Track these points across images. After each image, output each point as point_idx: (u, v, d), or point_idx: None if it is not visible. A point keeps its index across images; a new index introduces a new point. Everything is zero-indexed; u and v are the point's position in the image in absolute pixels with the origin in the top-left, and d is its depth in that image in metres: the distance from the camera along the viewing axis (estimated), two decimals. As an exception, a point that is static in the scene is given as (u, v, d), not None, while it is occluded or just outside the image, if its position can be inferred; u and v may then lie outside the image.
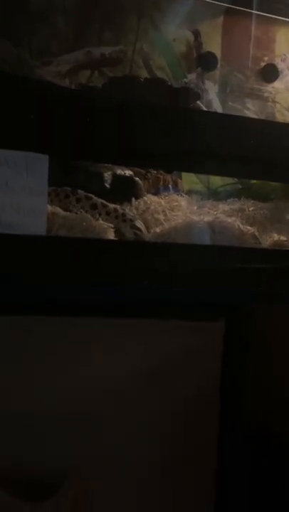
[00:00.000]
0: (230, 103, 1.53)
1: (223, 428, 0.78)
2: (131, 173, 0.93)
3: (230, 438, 0.79)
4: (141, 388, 0.74)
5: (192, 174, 1.11)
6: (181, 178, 1.10)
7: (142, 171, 1.11)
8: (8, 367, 0.69)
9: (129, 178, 0.91)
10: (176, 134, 0.83)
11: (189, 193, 1.05)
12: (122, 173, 0.89)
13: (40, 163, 0.72)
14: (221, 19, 1.52)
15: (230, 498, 0.79)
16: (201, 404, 0.76)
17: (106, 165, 0.89)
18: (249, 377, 0.78)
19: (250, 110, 1.53)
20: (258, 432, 0.82)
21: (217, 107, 1.46)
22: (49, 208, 0.77)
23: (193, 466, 0.77)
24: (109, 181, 0.86)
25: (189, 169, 1.04)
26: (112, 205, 0.80)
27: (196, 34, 1.49)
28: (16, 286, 0.70)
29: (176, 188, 1.03)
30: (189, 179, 1.10)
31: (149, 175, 1.14)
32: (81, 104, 0.81)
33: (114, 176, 0.88)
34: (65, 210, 0.80)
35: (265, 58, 1.55)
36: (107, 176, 0.86)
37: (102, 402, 0.72)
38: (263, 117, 1.53)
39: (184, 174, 1.11)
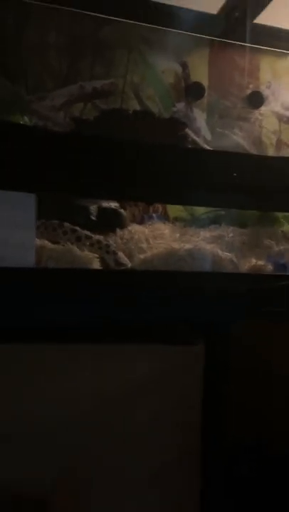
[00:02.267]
0: (218, 129, 1.59)
1: (205, 445, 0.81)
2: (116, 205, 0.98)
3: (212, 455, 0.82)
4: (122, 410, 0.77)
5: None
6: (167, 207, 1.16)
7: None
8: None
9: (114, 210, 0.97)
10: (159, 168, 0.89)
11: (175, 220, 1.11)
12: (108, 205, 0.95)
13: (29, 200, 0.78)
14: (207, 50, 1.60)
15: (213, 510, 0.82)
16: (183, 426, 0.80)
17: (92, 199, 0.95)
18: (228, 398, 0.82)
19: (238, 135, 1.59)
20: (246, 446, 0.86)
21: (206, 134, 1.52)
22: (37, 241, 0.83)
23: (176, 486, 0.80)
24: (95, 214, 0.92)
25: (173, 201, 1.10)
26: (95, 237, 0.85)
27: (184, 66, 1.57)
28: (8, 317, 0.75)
29: (161, 217, 1.08)
30: (175, 207, 1.16)
31: (139, 203, 1.20)
32: (67, 143, 0.87)
33: (100, 208, 0.94)
34: (54, 242, 0.86)
35: (251, 86, 1.61)
36: (93, 208, 0.92)
37: (83, 424, 0.75)
38: (250, 141, 1.59)
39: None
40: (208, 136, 1.51)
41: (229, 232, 0.96)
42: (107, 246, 0.82)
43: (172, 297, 0.83)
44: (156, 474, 0.78)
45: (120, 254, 0.82)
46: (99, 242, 0.82)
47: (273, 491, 0.90)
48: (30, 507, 0.70)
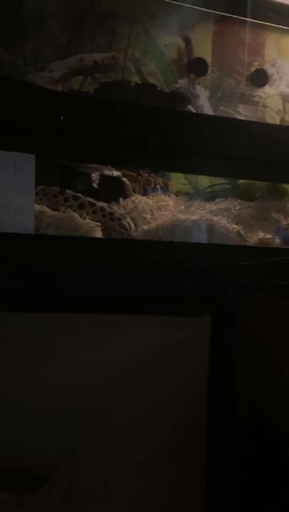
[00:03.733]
0: (221, 107, 1.55)
1: (212, 424, 0.79)
2: (118, 173, 0.94)
3: (218, 434, 0.80)
4: (128, 383, 0.75)
5: (181, 176, 1.13)
6: (171, 180, 1.12)
7: (133, 173, 1.13)
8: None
9: (117, 179, 0.93)
10: (165, 134, 0.85)
11: (178, 193, 1.07)
12: (110, 173, 0.91)
13: (28, 162, 0.74)
14: (211, 26, 1.55)
15: (220, 491, 0.80)
16: (189, 399, 0.77)
17: (94, 165, 0.91)
18: (237, 372, 0.79)
19: (241, 114, 1.55)
20: (249, 426, 0.83)
21: (208, 112, 1.48)
22: (37, 207, 0.79)
23: (181, 461, 0.78)
24: (97, 181, 0.88)
25: (178, 169, 1.06)
26: (99, 204, 0.81)
27: (187, 40, 1.52)
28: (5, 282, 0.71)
29: (165, 189, 1.05)
30: (179, 181, 1.12)
31: (140, 177, 1.16)
32: (70, 105, 0.82)
33: (102, 176, 0.90)
34: (54, 209, 0.82)
35: (255, 63, 1.57)
36: (95, 176, 0.88)
37: (88, 397, 0.73)
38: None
39: (174, 176, 1.12)
40: (211, 114, 1.47)
41: (236, 205, 0.92)
42: (111, 213, 0.79)
43: (178, 269, 0.80)
44: (162, 448, 0.75)
45: (125, 220, 0.78)
46: (102, 209, 0.78)
47: (279, 474, 0.87)
48: (32, 481, 0.67)
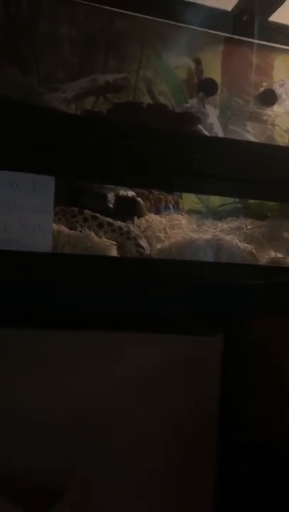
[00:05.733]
0: (230, 126, 1.58)
1: (223, 440, 0.79)
2: (133, 193, 0.97)
3: (229, 451, 0.80)
4: (139, 401, 0.76)
5: (193, 195, 1.15)
6: (182, 198, 1.14)
7: (144, 191, 1.16)
8: (8, 378, 0.71)
9: (132, 199, 0.95)
10: (178, 156, 0.87)
11: (190, 212, 1.09)
12: (125, 193, 0.93)
13: (47, 183, 0.76)
14: (221, 47, 1.59)
15: (229, 510, 0.80)
16: (200, 417, 0.78)
17: (110, 186, 0.93)
18: (247, 390, 0.80)
19: (250, 133, 1.58)
20: (258, 443, 0.84)
21: (218, 130, 1.51)
22: (55, 226, 0.81)
23: (192, 479, 0.78)
24: (112, 201, 0.90)
25: (190, 190, 1.08)
26: (117, 224, 0.83)
27: (197, 61, 1.56)
28: (21, 299, 0.73)
29: (177, 208, 1.07)
30: (190, 199, 1.14)
31: (151, 196, 1.18)
32: (87, 128, 0.85)
33: (118, 196, 0.92)
34: (71, 229, 0.84)
35: (264, 84, 1.61)
36: (111, 196, 0.90)
37: (100, 414, 0.74)
38: (262, 140, 1.58)
39: (185, 194, 1.15)
40: (220, 133, 1.49)
41: (248, 224, 0.94)
42: (128, 232, 0.81)
43: (190, 288, 0.81)
44: (172, 466, 0.76)
45: (142, 240, 0.80)
46: (120, 228, 0.80)
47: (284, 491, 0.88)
48: (42, 497, 0.68)
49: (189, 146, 0.90)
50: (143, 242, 0.80)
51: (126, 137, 0.86)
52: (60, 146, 0.79)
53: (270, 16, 1.55)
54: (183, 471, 0.78)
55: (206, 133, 1.38)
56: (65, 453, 0.73)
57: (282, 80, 1.59)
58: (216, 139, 1.15)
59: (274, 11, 1.54)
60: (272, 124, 1.61)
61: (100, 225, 0.81)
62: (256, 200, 1.05)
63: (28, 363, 0.72)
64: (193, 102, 1.54)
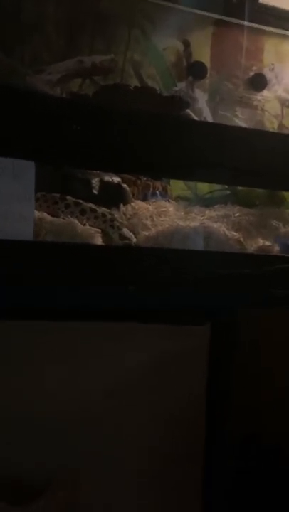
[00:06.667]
0: (220, 111, 1.55)
1: (210, 432, 0.79)
2: (118, 179, 0.94)
3: (217, 442, 0.80)
4: (127, 391, 0.74)
5: (181, 181, 1.12)
6: (170, 185, 1.12)
7: (131, 177, 1.13)
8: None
9: (117, 185, 0.92)
10: (166, 142, 0.85)
11: (178, 199, 1.07)
12: (110, 179, 0.91)
13: (27, 169, 0.73)
14: (210, 30, 1.55)
15: (215, 501, 0.80)
16: (188, 407, 0.77)
17: (94, 172, 0.90)
18: (235, 381, 0.79)
19: (240, 118, 1.55)
20: (245, 436, 0.83)
21: (207, 115, 1.48)
22: (36, 213, 0.78)
23: (181, 468, 0.78)
24: (96, 188, 0.87)
25: (178, 176, 1.06)
26: (100, 210, 0.81)
27: (186, 44, 1.52)
28: (3, 291, 0.71)
29: (165, 194, 1.04)
30: (178, 186, 1.12)
31: (138, 182, 1.16)
32: (70, 111, 0.82)
33: (102, 182, 0.89)
34: (53, 215, 0.81)
35: (254, 68, 1.57)
36: (95, 182, 0.88)
37: (89, 405, 0.72)
38: (252, 125, 1.55)
39: (173, 181, 1.12)
40: (210, 119, 1.47)
41: (235, 212, 0.92)
42: (112, 220, 0.78)
43: (177, 277, 0.79)
44: (160, 458, 0.75)
45: (125, 229, 0.77)
46: (104, 215, 0.78)
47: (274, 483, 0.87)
48: (29, 494, 0.67)
49: (177, 131, 0.88)
50: (127, 232, 0.77)
51: (111, 120, 0.83)
52: (40, 129, 0.76)
53: (261, -3, 1.51)
54: (170, 463, 0.77)
55: (195, 118, 1.35)
56: (53, 450, 0.71)
57: (272, 64, 1.56)
58: (204, 123, 1.12)
59: (265, -7, 1.50)
60: (262, 110, 1.58)
61: (83, 212, 0.79)
62: (244, 188, 1.03)
63: (10, 355, 0.70)
64: (182, 86, 1.51)
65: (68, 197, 0.82)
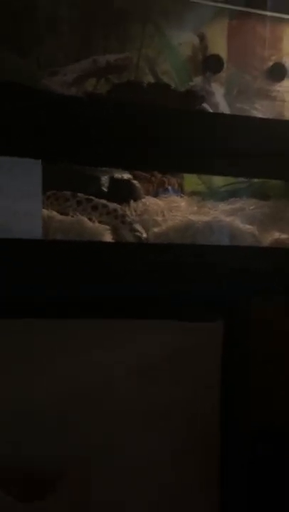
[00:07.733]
0: (237, 104, 1.52)
1: (225, 427, 0.77)
2: (129, 176, 0.93)
3: (232, 437, 0.78)
4: (139, 388, 0.74)
5: (194, 176, 1.10)
6: (184, 180, 1.10)
7: (146, 174, 1.12)
8: (4, 367, 0.70)
9: (127, 181, 0.91)
10: (180, 136, 0.83)
11: (192, 194, 1.05)
12: (120, 176, 0.90)
13: (34, 167, 0.73)
14: (226, 21, 1.52)
15: (231, 496, 0.78)
16: (201, 404, 0.75)
17: (104, 169, 0.89)
18: (250, 377, 0.76)
19: (258, 110, 1.52)
20: (261, 430, 0.81)
21: (224, 109, 1.45)
22: (45, 212, 0.78)
23: (194, 465, 0.76)
24: (106, 185, 0.87)
25: (193, 170, 1.04)
26: (112, 206, 0.81)
27: (202, 37, 1.49)
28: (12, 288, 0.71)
29: (176, 190, 1.03)
30: (192, 180, 1.10)
31: (153, 178, 1.14)
32: (80, 108, 0.82)
33: (112, 179, 0.88)
34: (63, 214, 0.81)
35: (273, 57, 1.53)
36: (104, 179, 0.87)
37: (99, 402, 0.72)
38: (271, 117, 1.51)
39: (187, 176, 1.10)
40: (227, 112, 1.44)
41: (250, 205, 0.90)
42: (123, 216, 0.77)
43: (189, 272, 0.78)
44: (174, 453, 0.74)
45: (137, 224, 0.77)
46: (115, 210, 0.77)
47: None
48: (42, 485, 0.67)
49: (191, 125, 0.86)
50: (138, 226, 0.76)
51: (124, 117, 0.82)
52: (47, 128, 0.76)
53: (277, -15, 1.47)
54: (184, 459, 0.76)
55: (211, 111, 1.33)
56: (64, 441, 0.71)
57: (292, 53, 1.52)
58: (220, 115, 1.09)
59: (282, -20, 1.46)
60: (282, 100, 1.54)
61: (95, 208, 0.78)
62: (259, 180, 1.00)
63: (18, 352, 0.70)
64: (198, 81, 1.48)
65: (80, 194, 0.82)
